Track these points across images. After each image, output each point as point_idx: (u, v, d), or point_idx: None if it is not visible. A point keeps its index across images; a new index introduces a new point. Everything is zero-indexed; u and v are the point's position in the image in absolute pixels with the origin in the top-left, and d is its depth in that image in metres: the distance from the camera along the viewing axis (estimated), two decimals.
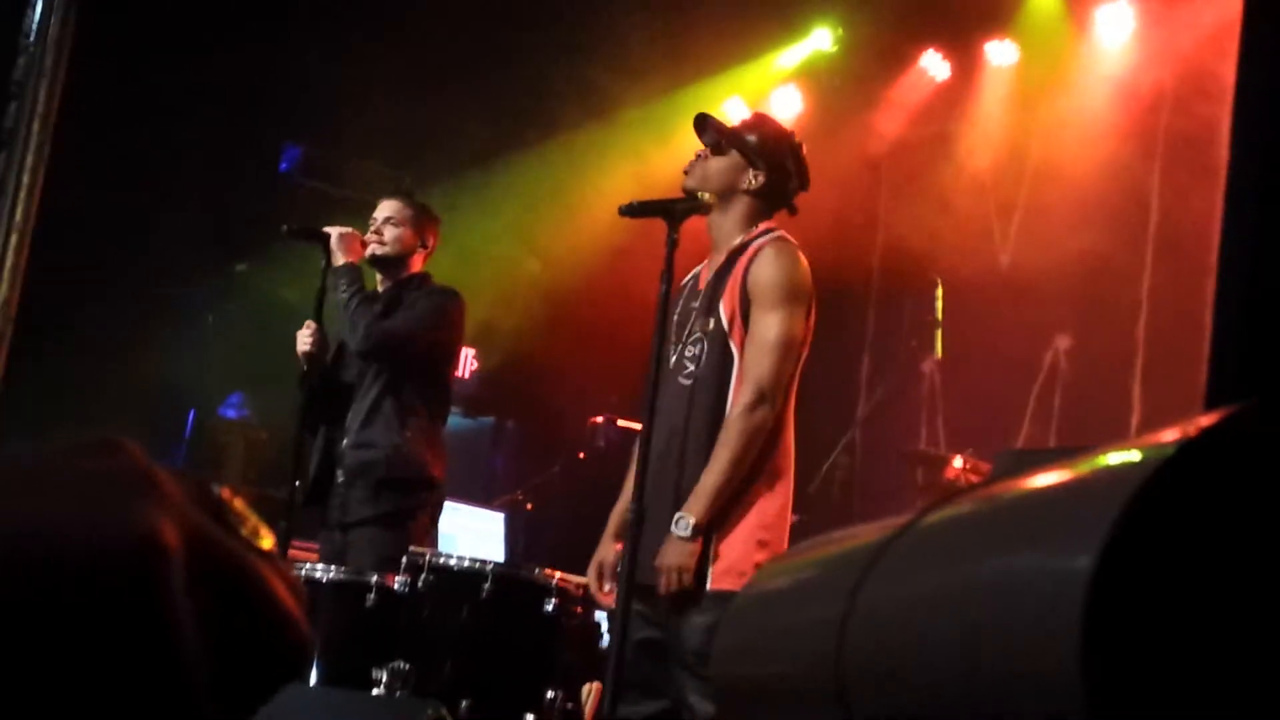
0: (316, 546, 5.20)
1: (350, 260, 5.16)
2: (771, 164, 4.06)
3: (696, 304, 4.03)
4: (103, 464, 0.85)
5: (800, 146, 4.14)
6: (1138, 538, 0.80)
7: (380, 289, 5.31)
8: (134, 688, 0.76)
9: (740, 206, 4.03)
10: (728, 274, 3.96)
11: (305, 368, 5.15)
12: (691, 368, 3.95)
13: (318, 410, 5.15)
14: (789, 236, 4.03)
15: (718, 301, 3.95)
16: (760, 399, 3.82)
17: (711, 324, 3.94)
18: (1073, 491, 0.91)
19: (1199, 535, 0.81)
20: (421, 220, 5.37)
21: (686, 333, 4.00)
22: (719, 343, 3.91)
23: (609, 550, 4.02)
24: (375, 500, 5.03)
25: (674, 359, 4.00)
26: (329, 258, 5.14)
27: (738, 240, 4.01)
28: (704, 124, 4.12)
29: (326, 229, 5.18)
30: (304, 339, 5.14)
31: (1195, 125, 6.42)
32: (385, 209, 5.36)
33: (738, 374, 3.88)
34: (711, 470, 3.79)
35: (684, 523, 3.74)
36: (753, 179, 4.03)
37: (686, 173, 4.07)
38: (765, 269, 3.91)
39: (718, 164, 4.05)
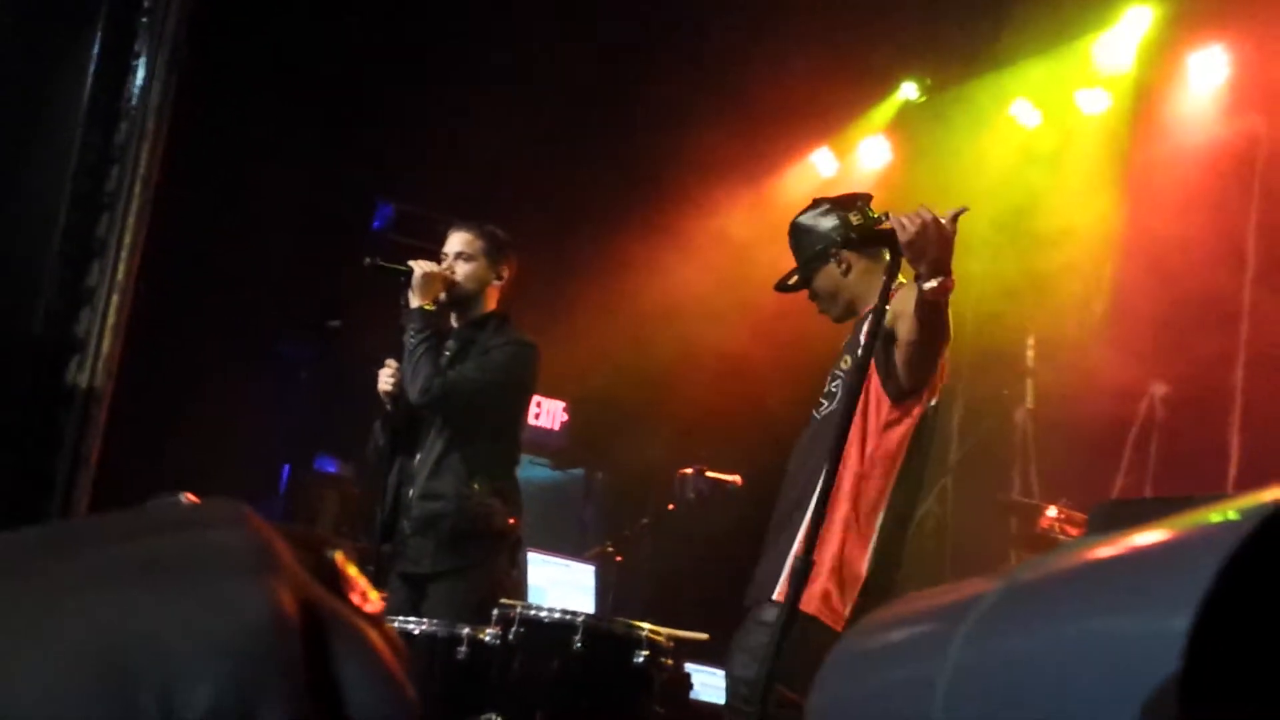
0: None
1: (424, 303, 4.94)
2: (837, 236, 4.23)
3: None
4: (229, 535, 0.86)
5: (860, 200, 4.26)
6: (1237, 597, 0.79)
7: (455, 326, 5.11)
8: None
9: (863, 287, 4.22)
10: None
11: (388, 408, 4.99)
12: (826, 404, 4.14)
13: (397, 450, 5.01)
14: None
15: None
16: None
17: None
18: (1170, 550, 0.90)
19: None
20: (495, 252, 5.10)
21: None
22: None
23: None
24: (442, 553, 4.87)
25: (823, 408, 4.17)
26: (407, 296, 4.95)
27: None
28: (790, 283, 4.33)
29: (411, 263, 4.97)
30: (386, 378, 4.97)
31: None
32: (455, 241, 5.11)
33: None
34: None
35: None
36: (841, 266, 4.27)
37: (827, 315, 4.33)
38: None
39: (820, 287, 4.28)
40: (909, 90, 8.72)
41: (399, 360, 4.98)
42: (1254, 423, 6.75)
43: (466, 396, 4.93)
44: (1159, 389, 7.21)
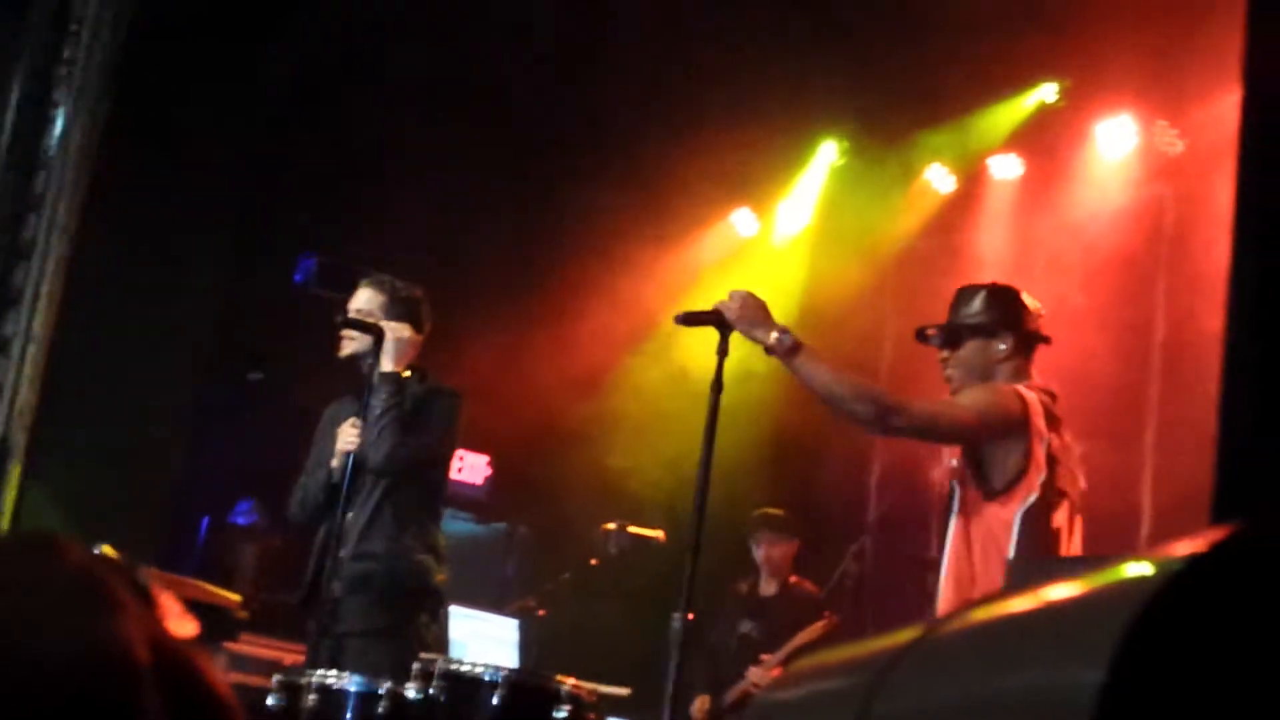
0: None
1: (398, 368, 4.90)
2: (1012, 324, 4.16)
3: None
4: (52, 569, 0.85)
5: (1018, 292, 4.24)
6: (1148, 651, 0.81)
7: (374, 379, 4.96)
8: None
9: (1001, 374, 4.14)
10: None
11: (334, 464, 4.86)
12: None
13: (326, 511, 4.90)
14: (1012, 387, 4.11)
15: None
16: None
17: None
18: (1083, 605, 0.92)
19: (1210, 648, 0.82)
20: (397, 307, 5.03)
21: None
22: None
23: None
24: (374, 612, 4.86)
25: None
26: (377, 357, 4.86)
27: None
28: (929, 333, 4.26)
29: (383, 325, 4.90)
30: (351, 437, 4.80)
31: (1198, 238, 6.50)
32: (357, 299, 5.06)
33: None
34: None
35: None
36: (999, 348, 4.15)
37: (949, 379, 4.21)
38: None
39: (965, 354, 4.14)
40: (829, 152, 8.86)
41: (362, 419, 4.84)
42: (1164, 485, 6.88)
43: (421, 462, 4.96)
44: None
